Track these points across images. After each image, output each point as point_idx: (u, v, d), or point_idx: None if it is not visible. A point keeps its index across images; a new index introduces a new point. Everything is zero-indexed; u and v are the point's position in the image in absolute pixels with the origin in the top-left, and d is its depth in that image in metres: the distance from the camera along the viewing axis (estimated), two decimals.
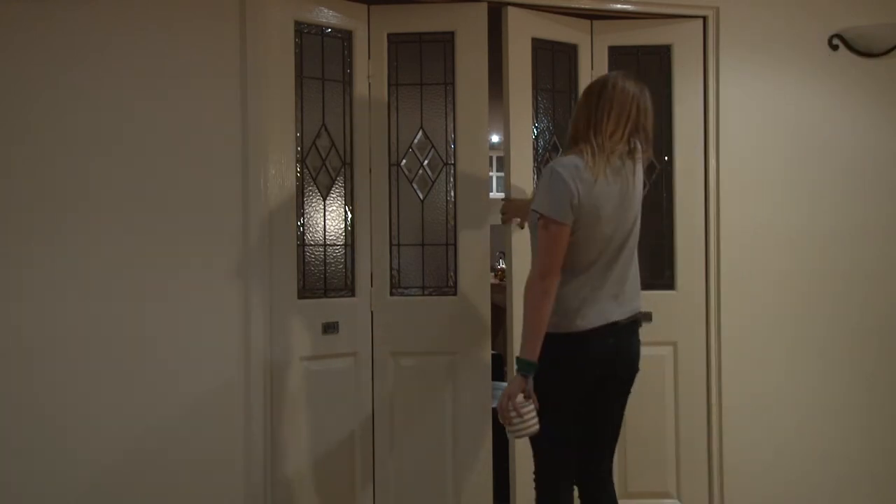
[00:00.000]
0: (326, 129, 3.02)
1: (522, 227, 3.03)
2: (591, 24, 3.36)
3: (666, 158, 3.35)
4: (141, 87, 2.68)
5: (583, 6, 3.21)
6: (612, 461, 2.52)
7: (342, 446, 3.01)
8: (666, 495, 3.33)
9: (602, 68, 3.27)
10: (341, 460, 3.01)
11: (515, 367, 2.28)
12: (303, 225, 2.98)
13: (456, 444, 3.04)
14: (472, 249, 3.04)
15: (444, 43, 3.05)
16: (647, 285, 3.42)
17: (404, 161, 3.12)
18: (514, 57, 3.07)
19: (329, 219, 3.04)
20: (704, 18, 3.30)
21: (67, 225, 2.59)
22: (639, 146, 2.34)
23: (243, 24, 2.77)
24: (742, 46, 3.31)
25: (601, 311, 2.33)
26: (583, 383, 2.36)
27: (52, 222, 2.58)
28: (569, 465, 2.43)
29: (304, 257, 2.98)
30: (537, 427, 2.24)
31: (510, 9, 3.07)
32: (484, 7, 3.05)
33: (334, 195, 3.06)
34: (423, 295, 3.11)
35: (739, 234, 3.30)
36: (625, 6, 3.27)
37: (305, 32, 2.96)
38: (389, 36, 3.07)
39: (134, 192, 2.66)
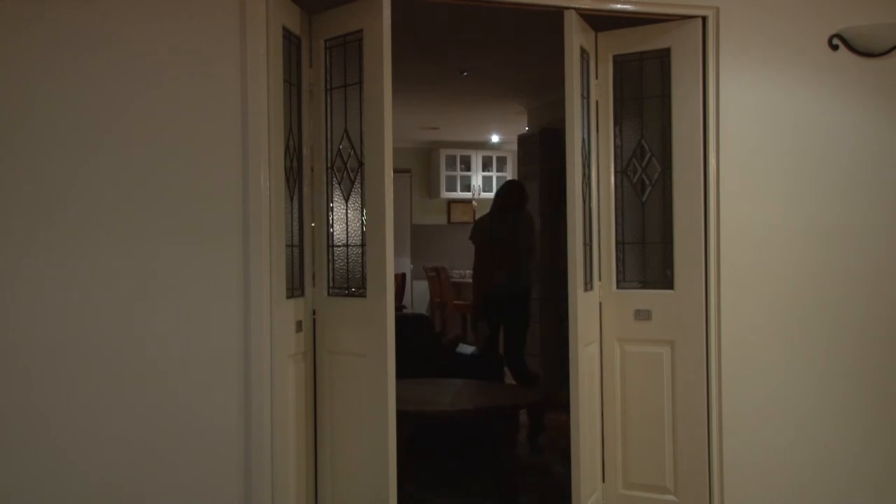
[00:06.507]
0: (291, 132, 3.06)
1: None
2: (596, 35, 3.46)
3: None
4: (143, 87, 2.71)
5: (584, 6, 3.23)
6: (514, 349, 5.48)
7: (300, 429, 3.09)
8: (664, 490, 3.38)
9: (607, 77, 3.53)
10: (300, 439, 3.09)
11: None
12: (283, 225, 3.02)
13: (362, 436, 3.02)
14: (375, 250, 2.96)
15: (358, 42, 3.03)
16: (645, 284, 3.47)
17: (337, 163, 3.16)
18: None
19: (294, 219, 3.10)
20: (704, 19, 3.31)
21: (67, 225, 2.64)
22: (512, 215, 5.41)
23: (244, 25, 2.79)
24: (742, 46, 3.29)
25: (492, 286, 5.47)
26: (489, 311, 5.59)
27: (50, 221, 2.62)
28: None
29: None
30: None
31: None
32: (385, 2, 2.92)
33: (296, 195, 3.11)
34: (347, 296, 3.12)
35: (739, 235, 3.29)
36: (625, 6, 3.27)
37: (284, 37, 2.99)
38: (326, 42, 3.12)
39: (135, 193, 2.71)
